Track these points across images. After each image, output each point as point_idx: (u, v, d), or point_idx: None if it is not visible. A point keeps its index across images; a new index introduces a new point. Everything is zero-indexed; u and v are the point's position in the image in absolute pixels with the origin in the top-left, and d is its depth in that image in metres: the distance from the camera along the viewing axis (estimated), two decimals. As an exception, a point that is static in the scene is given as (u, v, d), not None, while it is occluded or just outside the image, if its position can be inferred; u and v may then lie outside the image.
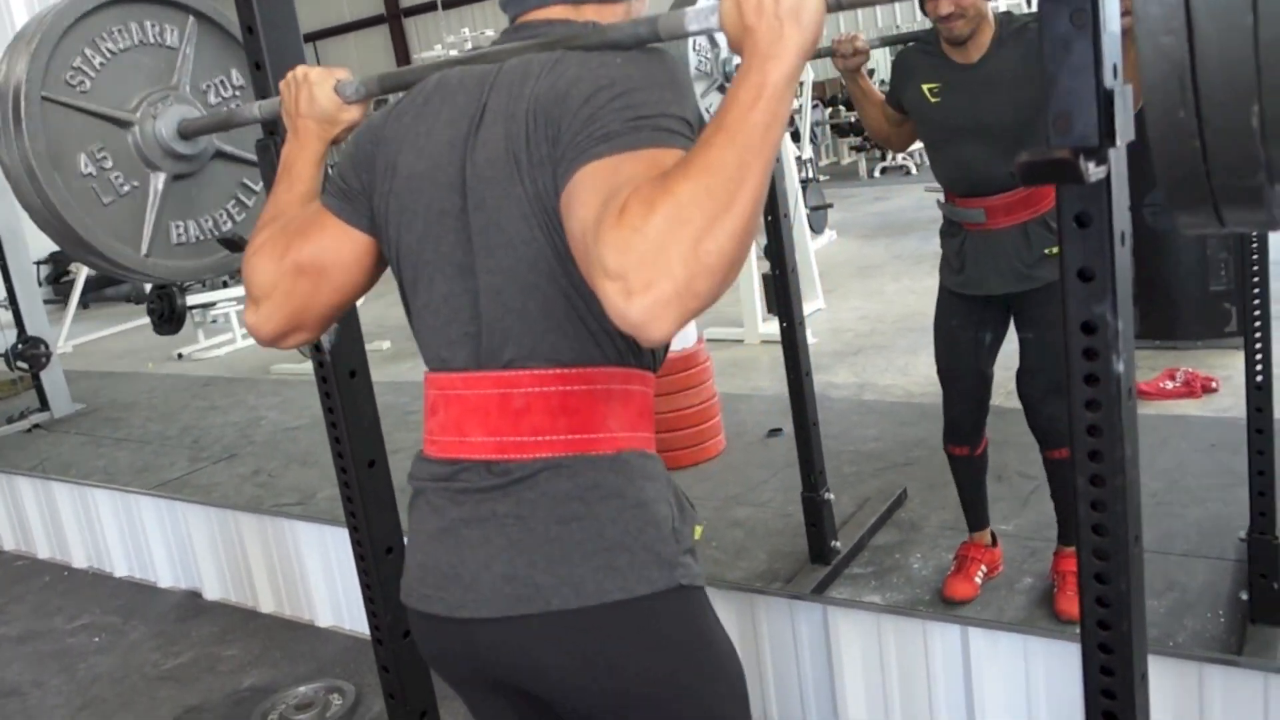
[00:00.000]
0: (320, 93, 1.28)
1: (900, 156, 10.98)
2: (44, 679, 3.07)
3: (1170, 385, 3.88)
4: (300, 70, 1.31)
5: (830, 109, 12.17)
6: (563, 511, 1.05)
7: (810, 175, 8.05)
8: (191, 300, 7.41)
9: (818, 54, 2.58)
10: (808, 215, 6.60)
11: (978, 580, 2.51)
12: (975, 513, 2.63)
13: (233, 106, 1.74)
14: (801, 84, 8.70)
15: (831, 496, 2.80)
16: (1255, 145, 0.69)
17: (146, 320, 8.20)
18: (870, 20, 11.62)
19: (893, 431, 3.87)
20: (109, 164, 1.62)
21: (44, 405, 5.91)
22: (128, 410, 6.01)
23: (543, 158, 0.99)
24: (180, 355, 7.34)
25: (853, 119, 12.29)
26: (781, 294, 2.66)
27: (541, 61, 1.04)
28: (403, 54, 15.64)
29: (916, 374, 4.49)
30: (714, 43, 2.71)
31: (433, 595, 1.10)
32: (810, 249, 5.92)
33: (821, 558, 2.79)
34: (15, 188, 1.57)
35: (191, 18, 1.74)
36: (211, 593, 3.46)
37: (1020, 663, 1.92)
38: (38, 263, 8.64)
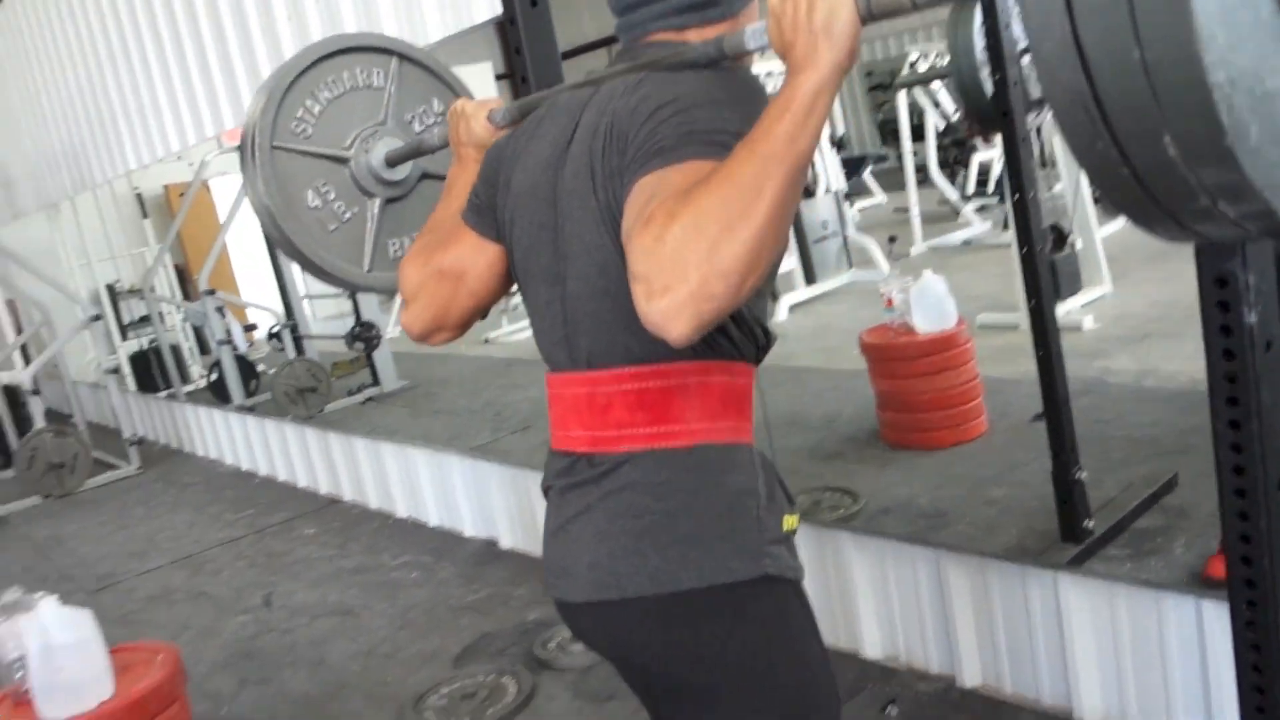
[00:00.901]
0: (476, 124, 1.39)
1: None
2: (371, 603, 3.64)
3: None
4: (459, 104, 1.43)
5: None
6: (639, 505, 1.09)
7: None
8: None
9: None
10: (1094, 196, 6.27)
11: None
12: None
13: (429, 134, 1.88)
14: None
15: (1084, 475, 2.76)
16: (1181, 173, 0.66)
17: (462, 308, 9.15)
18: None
19: (1171, 418, 3.69)
20: (332, 196, 1.79)
21: (375, 381, 6.77)
22: (442, 386, 6.78)
23: (613, 170, 1.05)
24: (487, 340, 8.11)
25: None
26: (1028, 268, 2.68)
27: (627, 82, 1.10)
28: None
29: (1207, 361, 4.22)
30: None
31: (555, 584, 1.20)
32: (1096, 232, 5.65)
33: (1073, 537, 2.76)
34: (260, 222, 1.79)
35: (394, 59, 1.88)
36: (506, 542, 3.92)
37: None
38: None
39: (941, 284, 3.87)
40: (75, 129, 6.26)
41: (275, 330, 7.92)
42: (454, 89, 1.94)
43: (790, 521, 1.13)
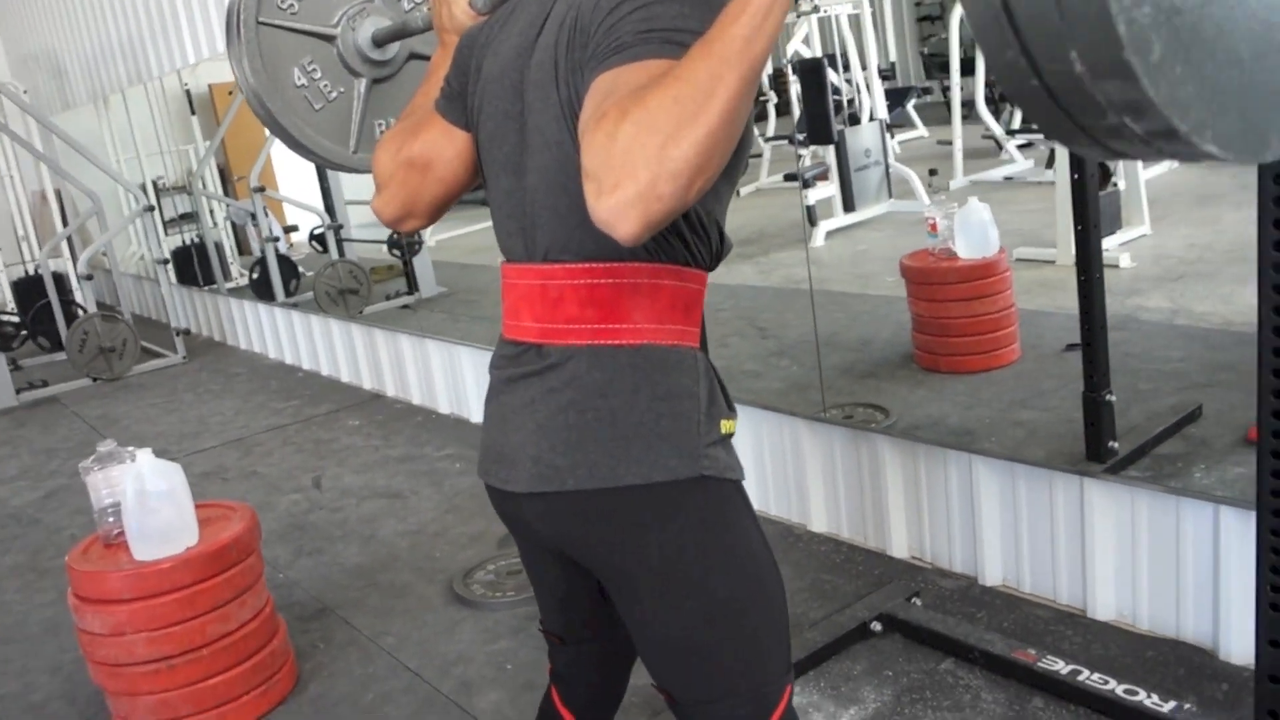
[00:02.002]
0: (457, 8, 1.37)
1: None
2: (418, 489, 3.82)
3: None
4: None
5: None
6: (583, 400, 1.11)
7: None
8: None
9: None
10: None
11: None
12: None
13: (414, 15, 1.81)
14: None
15: (1114, 398, 2.88)
16: (1089, 89, 0.63)
17: (498, 221, 9.23)
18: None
19: (1200, 355, 3.79)
20: (318, 74, 1.78)
21: (412, 289, 6.88)
22: (481, 294, 6.90)
23: (575, 64, 1.06)
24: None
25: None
26: (1078, 194, 2.75)
27: None
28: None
29: (1240, 302, 4.28)
30: None
31: (492, 470, 1.22)
32: (1141, 173, 5.66)
33: (1097, 457, 2.89)
34: (248, 101, 1.76)
35: None
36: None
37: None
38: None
39: (986, 211, 3.94)
40: (134, 20, 6.33)
41: (318, 232, 8.06)
42: None
43: (728, 425, 1.15)
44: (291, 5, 1.76)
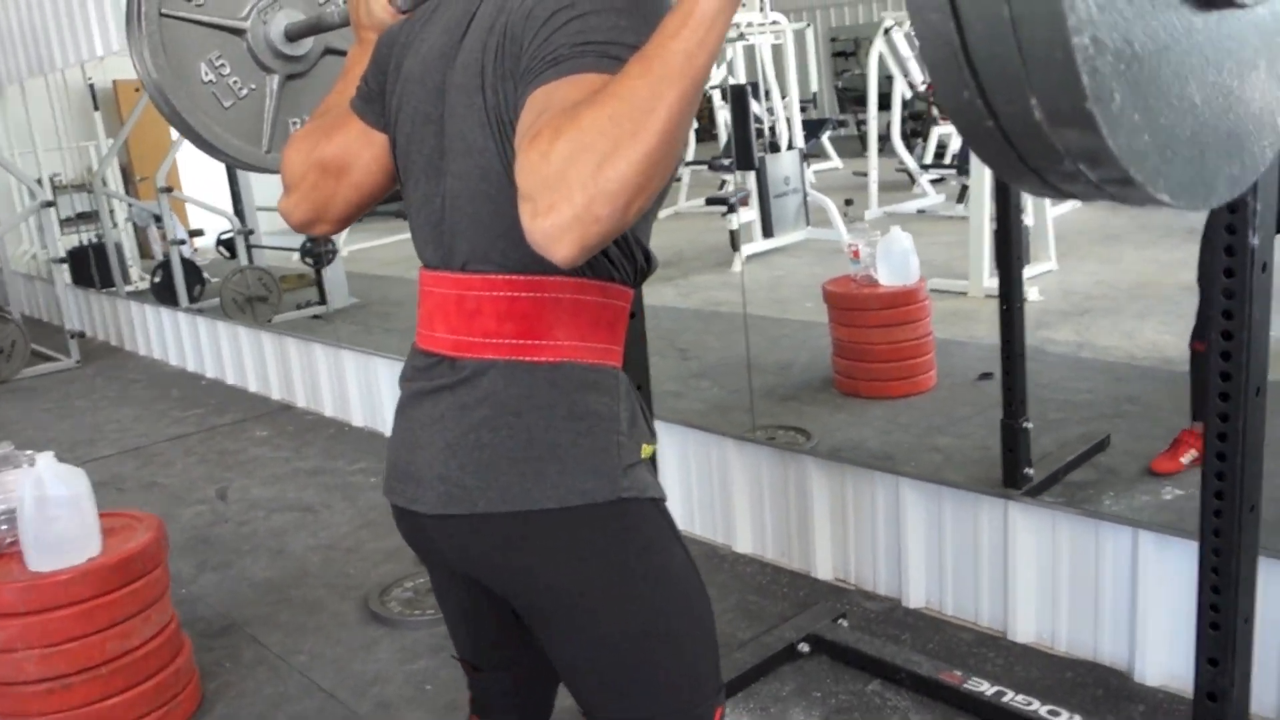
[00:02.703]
0: (376, 5, 1.32)
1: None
2: (331, 503, 3.70)
3: None
4: None
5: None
6: (496, 419, 1.06)
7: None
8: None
9: None
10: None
11: (1184, 461, 2.82)
12: (1199, 404, 2.88)
13: (329, 9, 1.79)
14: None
15: (1030, 425, 2.95)
16: (1047, 136, 0.62)
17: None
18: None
19: (1106, 387, 3.92)
20: (227, 70, 1.70)
21: (323, 299, 6.68)
22: (397, 307, 6.77)
23: (506, 72, 1.01)
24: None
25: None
26: (1003, 229, 2.83)
27: None
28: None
29: (1142, 338, 4.46)
30: None
31: (397, 489, 1.16)
32: (1049, 211, 5.87)
33: (1013, 483, 2.95)
34: (150, 97, 1.67)
35: None
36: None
37: (1188, 569, 2.07)
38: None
39: (907, 240, 4.02)
40: (37, 8, 6.06)
41: (226, 237, 7.81)
42: None
43: (648, 450, 1.11)
44: None
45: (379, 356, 4.41)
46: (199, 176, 7.64)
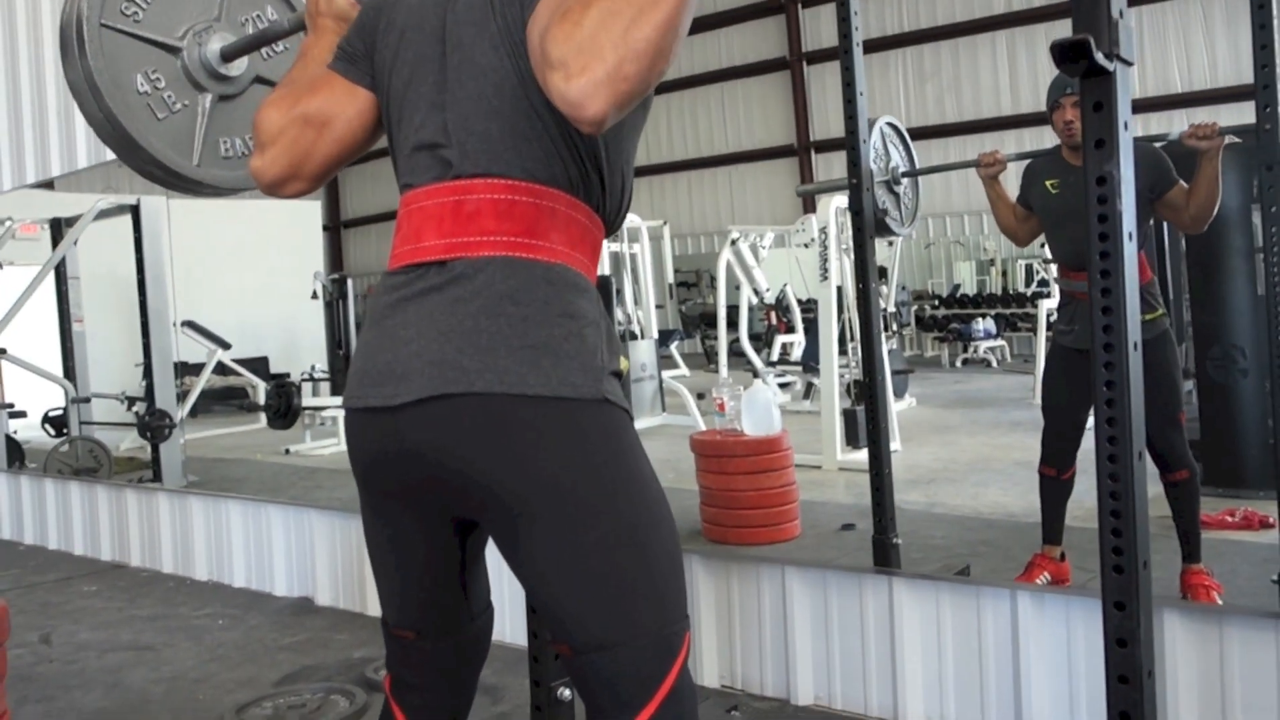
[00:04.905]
0: None
1: (982, 349, 11.43)
2: (174, 642, 3.40)
3: (1230, 519, 4.09)
4: None
5: (916, 304, 12.78)
6: (495, 307, 1.12)
7: (892, 332, 8.54)
8: (306, 402, 8.06)
9: (966, 165, 3.30)
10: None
11: (1040, 581, 2.89)
12: (1050, 527, 3.07)
13: (274, 24, 1.85)
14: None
15: (899, 542, 3.07)
16: None
17: (255, 425, 8.85)
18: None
19: (959, 534, 4.12)
20: (162, 84, 1.75)
21: (156, 477, 6.26)
22: (237, 484, 6.48)
23: None
24: (288, 450, 7.85)
25: (938, 314, 12.88)
26: (871, 396, 2.98)
27: None
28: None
29: (986, 499, 4.74)
30: (886, 150, 3.33)
31: (370, 392, 1.17)
32: (892, 405, 6.29)
33: (886, 600, 3.04)
34: (79, 103, 1.72)
35: None
36: (324, 598, 3.78)
37: (1063, 624, 2.17)
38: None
39: (770, 393, 4.25)
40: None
41: (55, 414, 7.38)
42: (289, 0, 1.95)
43: (624, 363, 1.20)
44: (136, 13, 1.74)
45: (232, 499, 4.21)
46: (25, 340, 7.23)
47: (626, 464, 1.15)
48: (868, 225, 2.83)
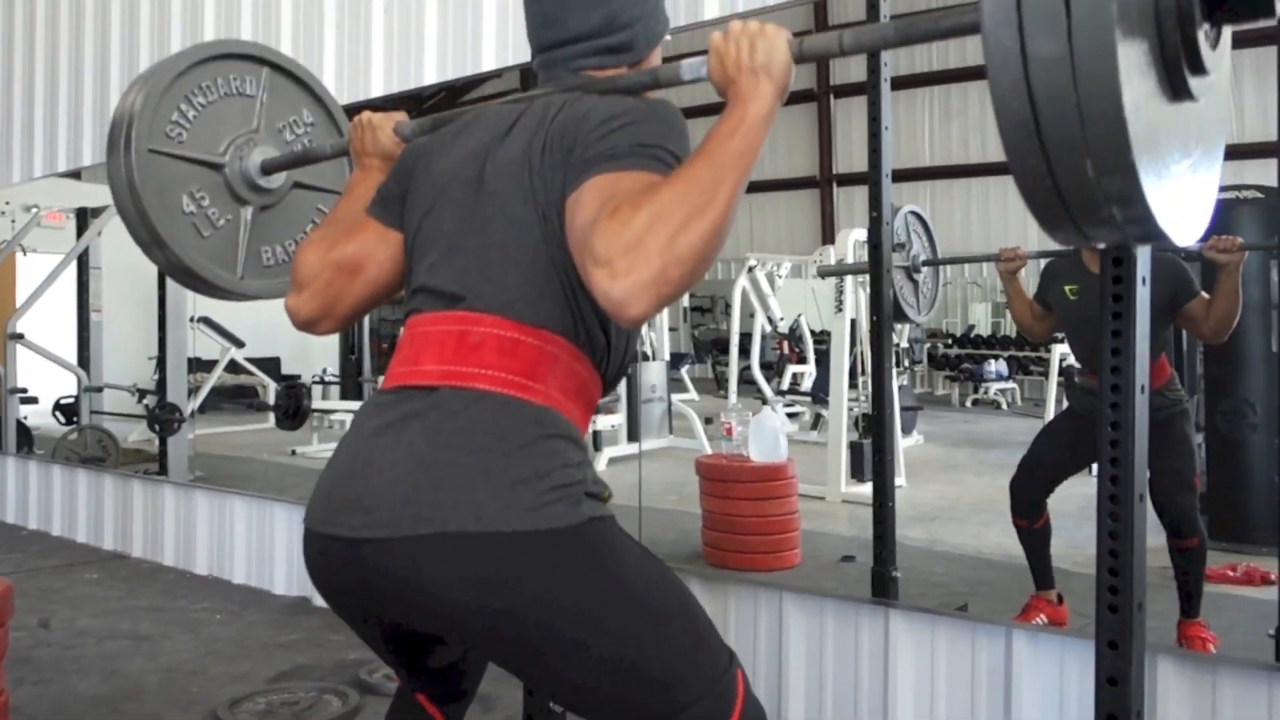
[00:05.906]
0: (382, 135, 1.48)
1: (993, 390, 11.40)
2: (171, 634, 3.42)
3: (1232, 574, 4.07)
4: (365, 116, 1.51)
5: (929, 341, 12.77)
6: (476, 443, 1.10)
7: (904, 368, 8.53)
8: (315, 405, 8.09)
9: (987, 259, 3.31)
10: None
11: (1037, 622, 2.89)
12: (1039, 573, 3.06)
13: (307, 144, 1.94)
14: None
15: (899, 575, 3.07)
16: (1094, 188, 0.87)
17: (264, 425, 8.89)
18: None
19: (959, 572, 4.11)
20: (206, 201, 1.81)
21: (163, 470, 6.30)
22: (243, 482, 6.48)
23: (555, 164, 1.16)
24: (294, 452, 7.88)
25: (951, 354, 12.85)
26: (877, 444, 3.01)
27: (564, 97, 1.24)
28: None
29: (988, 540, 4.73)
30: (905, 245, 3.36)
31: (337, 519, 1.14)
32: (899, 441, 6.28)
33: (883, 634, 3.04)
34: (130, 229, 1.75)
35: (265, 68, 1.93)
36: (321, 599, 3.79)
37: (1056, 664, 2.17)
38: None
39: (777, 420, 4.25)
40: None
41: (67, 402, 7.43)
42: (323, 101, 2.02)
43: (606, 494, 1.18)
44: (180, 135, 1.79)
45: (236, 495, 4.23)
46: (41, 327, 7.32)
47: (614, 575, 1.13)
48: (885, 258, 2.85)
